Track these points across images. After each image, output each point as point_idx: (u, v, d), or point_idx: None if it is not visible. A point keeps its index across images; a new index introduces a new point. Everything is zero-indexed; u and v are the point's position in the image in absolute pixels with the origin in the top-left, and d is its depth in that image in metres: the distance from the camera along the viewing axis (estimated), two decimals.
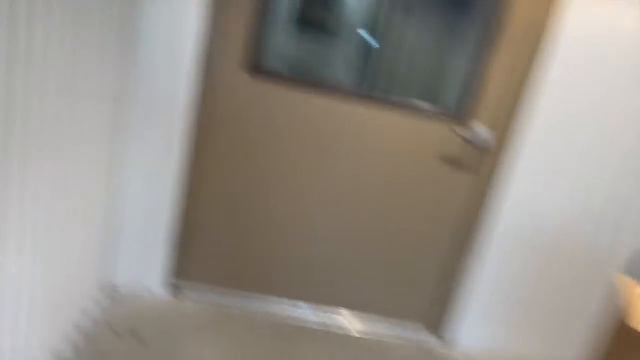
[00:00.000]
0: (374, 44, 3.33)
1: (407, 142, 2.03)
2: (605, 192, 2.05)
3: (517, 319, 2.22)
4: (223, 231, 2.14)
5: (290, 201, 2.10)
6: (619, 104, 1.95)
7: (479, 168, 2.04)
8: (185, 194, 2.03)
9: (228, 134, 1.98)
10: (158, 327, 1.98)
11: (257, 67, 1.92)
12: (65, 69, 1.29)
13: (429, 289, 2.23)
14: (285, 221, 2.13)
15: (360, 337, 2.24)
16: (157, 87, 1.84)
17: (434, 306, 2.27)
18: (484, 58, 1.92)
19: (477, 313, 2.20)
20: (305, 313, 2.26)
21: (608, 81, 1.92)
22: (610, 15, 1.84)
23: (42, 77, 1.19)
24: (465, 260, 2.17)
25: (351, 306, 2.27)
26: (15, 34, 1.07)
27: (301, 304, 2.26)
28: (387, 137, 2.03)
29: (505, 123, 1.97)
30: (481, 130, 1.97)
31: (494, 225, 2.08)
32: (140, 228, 2.00)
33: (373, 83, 3.17)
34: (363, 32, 3.08)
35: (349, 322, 2.26)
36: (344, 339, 2.20)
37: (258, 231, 2.13)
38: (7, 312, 1.24)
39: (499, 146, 2.00)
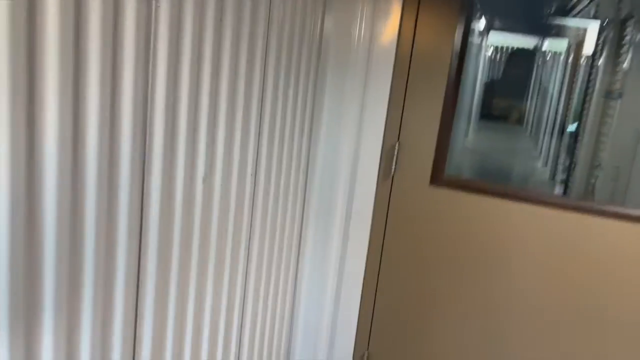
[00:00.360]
0: (577, 135, 2.93)
1: None
2: None
3: None
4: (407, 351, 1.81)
5: (483, 329, 1.72)
6: None
7: None
8: (365, 313, 1.78)
9: (413, 247, 1.72)
10: None
11: (442, 174, 1.67)
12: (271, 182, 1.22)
13: None
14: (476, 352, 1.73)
15: None
16: (337, 195, 1.69)
17: None
18: None
19: None
20: None
21: None
22: None
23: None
24: None
25: None
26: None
27: None
28: (614, 256, 1.56)
29: None
30: None
31: None
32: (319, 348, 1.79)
33: (583, 185, 2.71)
34: (569, 125, 2.71)
35: None
36: None
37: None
38: None
39: None
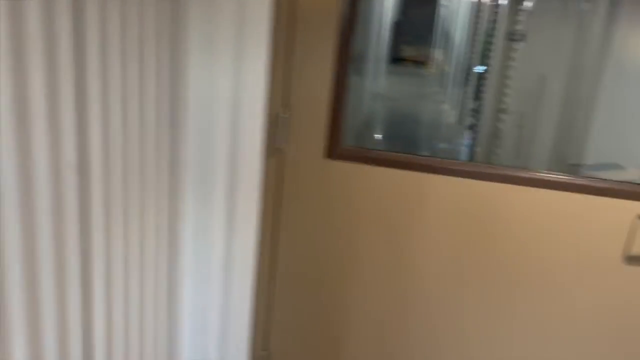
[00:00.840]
0: (483, 78, 2.85)
1: (555, 232, 1.41)
2: None
3: None
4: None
5: (397, 313, 1.56)
6: None
7: None
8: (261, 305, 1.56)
9: (313, 231, 1.50)
10: None
11: (338, 145, 1.43)
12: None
13: None
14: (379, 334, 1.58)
15: None
16: (216, 176, 1.42)
17: None
18: None
19: None
20: None
21: None
22: None
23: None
24: None
25: None
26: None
27: None
28: (524, 225, 1.42)
29: None
30: None
31: None
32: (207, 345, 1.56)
33: (490, 130, 2.65)
34: (475, 68, 2.60)
35: None
36: None
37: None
38: None
39: None
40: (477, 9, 3.31)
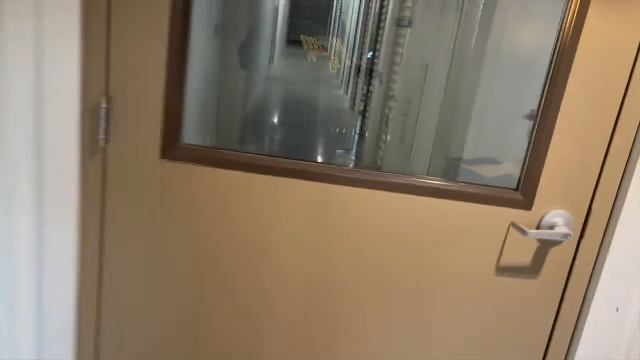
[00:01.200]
0: (373, 65, 2.78)
1: (427, 240, 1.27)
2: None
3: None
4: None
5: (248, 328, 1.36)
6: None
7: (553, 272, 1.27)
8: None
9: (148, 245, 1.24)
10: None
11: (177, 143, 1.18)
12: None
13: None
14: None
15: None
16: (17, 183, 1.14)
17: None
18: (547, 97, 1.17)
19: None
20: None
21: None
22: None
23: None
24: None
25: None
26: None
27: None
28: (390, 233, 1.26)
29: (592, 202, 1.21)
30: (554, 215, 1.23)
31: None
32: None
33: (380, 134, 2.58)
34: (365, 54, 2.52)
35: None
36: None
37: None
38: None
39: (583, 237, 1.24)
40: None
